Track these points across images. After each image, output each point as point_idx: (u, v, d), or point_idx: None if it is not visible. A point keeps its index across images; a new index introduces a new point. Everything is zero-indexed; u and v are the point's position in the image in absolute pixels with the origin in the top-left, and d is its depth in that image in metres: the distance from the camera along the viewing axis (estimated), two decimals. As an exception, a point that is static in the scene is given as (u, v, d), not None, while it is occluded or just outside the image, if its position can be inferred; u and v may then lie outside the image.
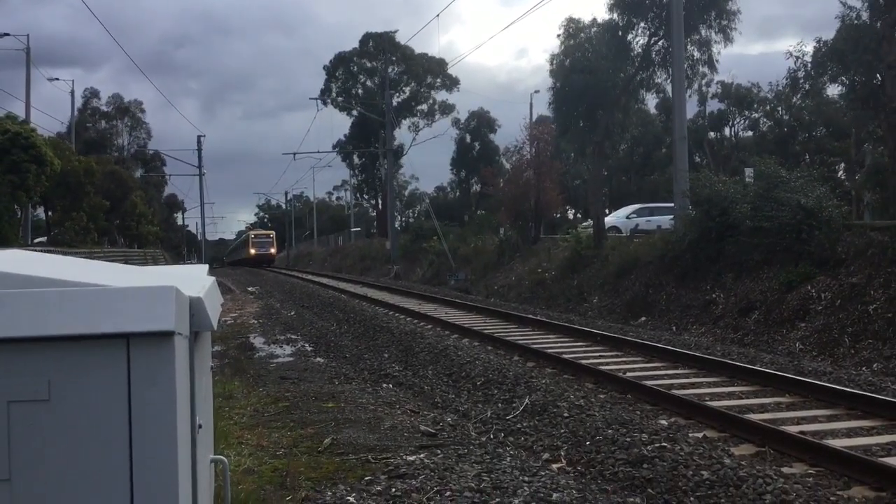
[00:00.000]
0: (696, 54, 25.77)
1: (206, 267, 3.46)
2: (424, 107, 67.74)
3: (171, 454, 2.07)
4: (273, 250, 73.01)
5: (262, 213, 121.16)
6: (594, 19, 28.27)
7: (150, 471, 2.05)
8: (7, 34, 41.70)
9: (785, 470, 6.47)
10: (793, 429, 7.59)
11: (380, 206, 70.60)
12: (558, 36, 28.50)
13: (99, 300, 2.06)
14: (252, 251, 71.01)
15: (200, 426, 2.47)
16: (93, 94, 76.04)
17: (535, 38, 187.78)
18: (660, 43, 26.04)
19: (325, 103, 62.29)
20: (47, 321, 2.02)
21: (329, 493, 5.91)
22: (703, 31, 25.38)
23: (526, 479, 6.26)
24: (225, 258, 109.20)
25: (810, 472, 6.51)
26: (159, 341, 2.06)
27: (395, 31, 67.75)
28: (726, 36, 25.39)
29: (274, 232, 79.78)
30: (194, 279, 2.63)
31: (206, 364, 2.81)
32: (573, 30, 28.26)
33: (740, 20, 25.21)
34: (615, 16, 26.11)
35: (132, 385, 2.06)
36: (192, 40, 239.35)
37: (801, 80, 25.39)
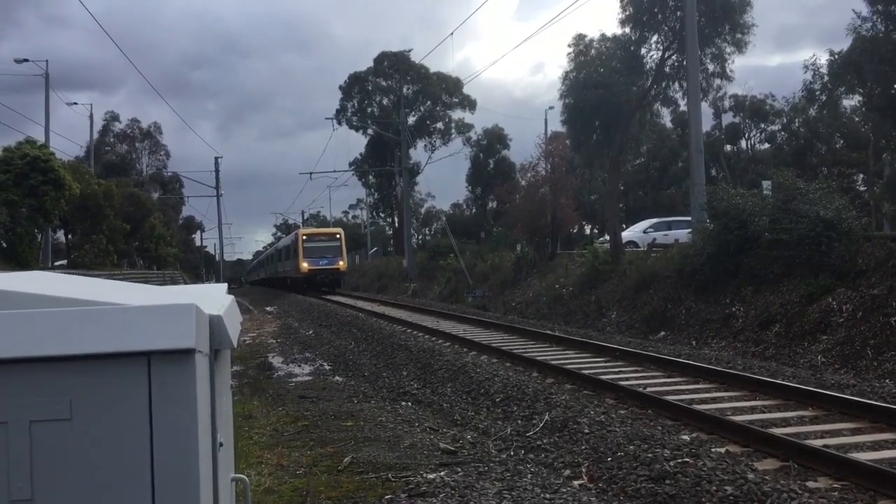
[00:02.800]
0: (711, 67, 25.77)
1: (224, 286, 3.47)
2: (440, 125, 67.96)
3: (192, 473, 2.07)
4: (342, 263, 45.02)
5: (279, 234, 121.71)
6: (602, 34, 28.36)
7: (173, 489, 2.05)
8: (27, 60, 42.30)
9: (810, 484, 6.40)
10: (817, 442, 7.51)
11: (396, 225, 70.71)
12: (569, 54, 28.63)
13: (120, 318, 2.07)
14: (305, 265, 43.81)
15: (222, 444, 2.47)
16: (113, 117, 76.83)
17: (551, 53, 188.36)
18: (673, 57, 26.06)
19: (340, 123, 62.67)
20: (69, 340, 2.02)
21: (350, 512, 5.89)
22: (717, 44, 25.38)
23: (547, 496, 6.22)
24: (244, 277, 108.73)
25: (835, 486, 6.43)
26: (180, 359, 2.06)
27: (410, 51, 68.21)
28: (740, 48, 25.38)
29: (342, 231, 49.26)
30: (213, 298, 2.64)
31: (226, 382, 2.81)
32: (584, 46, 28.36)
33: (755, 33, 25.22)
34: (627, 30, 26.19)
35: (153, 403, 2.06)
36: (208, 61, 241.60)
37: (818, 92, 25.37)
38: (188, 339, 2.06)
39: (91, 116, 53.87)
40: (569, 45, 28.77)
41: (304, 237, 45.57)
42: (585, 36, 28.51)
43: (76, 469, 2.05)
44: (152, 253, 58.60)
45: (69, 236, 47.83)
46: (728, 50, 25.54)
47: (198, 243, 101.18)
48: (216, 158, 58.58)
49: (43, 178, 33.26)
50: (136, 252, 56.40)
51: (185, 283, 53.57)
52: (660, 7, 25.26)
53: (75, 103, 57.42)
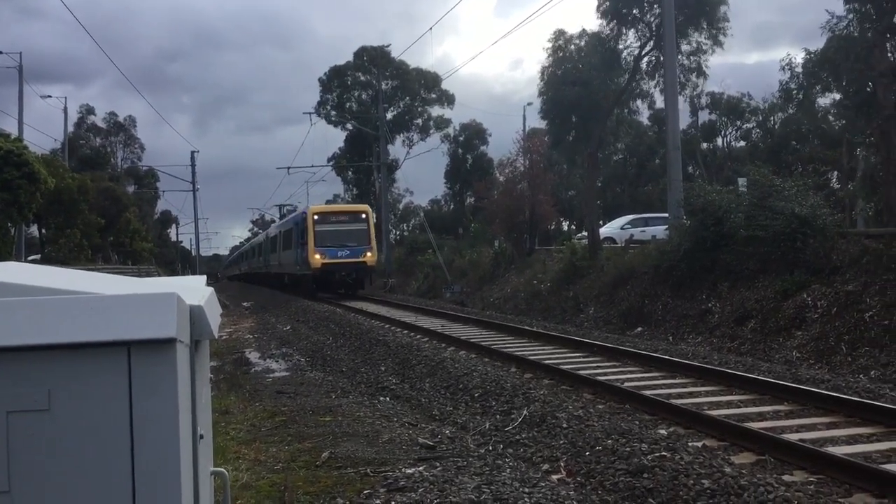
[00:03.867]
0: (687, 62, 25.93)
1: (203, 278, 3.44)
2: (419, 121, 67.83)
3: (173, 464, 2.04)
4: (370, 254, 33.23)
5: (255, 229, 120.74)
6: (583, 30, 28.45)
7: (153, 481, 2.02)
8: (0, 52, 41.82)
9: (786, 478, 6.45)
10: (793, 437, 7.57)
11: (374, 220, 70.29)
12: (547, 49, 28.69)
13: (99, 308, 2.03)
14: (317, 257, 31.84)
15: (202, 436, 2.44)
16: (88, 111, 76.09)
17: (530, 48, 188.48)
18: (651, 53, 26.21)
19: (319, 115, 62.31)
20: (47, 329, 1.99)
21: (328, 507, 5.86)
22: (694, 38, 25.56)
23: (526, 490, 6.23)
24: (220, 273, 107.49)
25: (811, 479, 6.48)
26: (160, 349, 2.03)
27: (389, 46, 67.56)
28: (716, 42, 25.58)
29: (369, 209, 36.26)
30: (193, 289, 2.60)
31: (205, 374, 2.79)
32: (563, 41, 28.44)
33: (730, 27, 25.41)
34: (604, 22, 26.29)
35: (133, 393, 2.03)
36: (184, 54, 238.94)
37: (794, 91, 25.62)
38: (169, 329, 2.03)
39: (65, 109, 53.38)
40: (548, 41, 28.85)
41: (317, 217, 32.49)
42: (565, 32, 28.59)
43: (55, 460, 2.01)
44: (127, 248, 58.09)
45: (43, 231, 47.31)
46: (704, 45, 25.74)
47: (173, 238, 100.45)
48: (192, 153, 58.19)
49: (17, 173, 32.84)
50: (110, 247, 55.88)
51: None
52: (636, 0, 25.40)
53: (49, 96, 56.90)
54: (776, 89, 30.46)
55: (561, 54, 28.27)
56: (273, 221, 72.34)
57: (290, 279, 38.14)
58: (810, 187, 19.02)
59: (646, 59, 26.47)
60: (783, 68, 27.27)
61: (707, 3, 24.62)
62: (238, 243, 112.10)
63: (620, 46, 26.49)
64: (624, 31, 26.18)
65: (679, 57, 24.98)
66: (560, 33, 28.58)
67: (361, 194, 74.00)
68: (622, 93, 26.89)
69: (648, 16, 25.51)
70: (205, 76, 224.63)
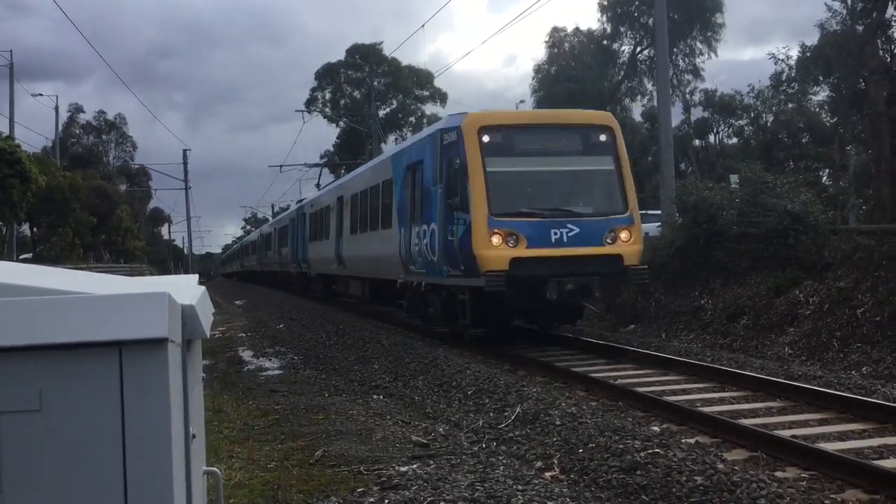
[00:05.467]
0: (682, 63, 26.00)
1: (195, 277, 3.42)
2: (412, 119, 67.76)
3: (165, 464, 2.03)
4: (630, 236, 14.03)
5: (248, 227, 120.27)
6: (577, 28, 28.57)
7: (145, 481, 2.02)
8: (-10, 50, 41.63)
9: (778, 474, 6.47)
10: (785, 433, 7.60)
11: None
12: (545, 41, 28.82)
13: (90, 308, 2.03)
14: (494, 242, 12.18)
15: (194, 436, 2.44)
16: (77, 109, 75.78)
17: (524, 45, 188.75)
18: (646, 52, 26.27)
19: (310, 112, 62.12)
20: (38, 330, 1.98)
21: (322, 505, 5.86)
22: (688, 42, 25.62)
23: (520, 487, 6.23)
24: (213, 271, 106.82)
25: (804, 476, 6.51)
26: (152, 349, 2.03)
27: (381, 43, 67.49)
28: (711, 46, 25.66)
29: (613, 120, 14.09)
30: (185, 288, 2.60)
31: (197, 373, 2.78)
32: (558, 39, 28.54)
33: (725, 32, 25.50)
34: (602, 19, 26.39)
35: (125, 393, 2.02)
36: (176, 51, 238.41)
37: (784, 84, 25.74)
38: (161, 329, 2.02)
39: (56, 108, 53.09)
40: (545, 40, 28.93)
41: (488, 138, 12.94)
42: (564, 29, 28.73)
43: (46, 461, 2.01)
44: (119, 246, 57.96)
45: (34, 229, 47.18)
46: (699, 48, 25.84)
47: (165, 236, 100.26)
48: (184, 151, 57.99)
49: (9, 171, 32.72)
50: (102, 245, 55.74)
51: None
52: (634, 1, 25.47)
53: (40, 94, 56.67)
54: (768, 77, 30.64)
55: (556, 50, 28.36)
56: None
57: (373, 289, 21.05)
58: (802, 184, 19.07)
59: (640, 57, 26.53)
60: (775, 59, 27.42)
61: (703, 10, 24.68)
62: (231, 241, 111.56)
63: (615, 45, 26.56)
64: (619, 29, 26.25)
65: (673, 57, 25.04)
66: (557, 30, 28.75)
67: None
68: (616, 90, 26.94)
69: (644, 15, 25.56)
70: (196, 73, 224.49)
